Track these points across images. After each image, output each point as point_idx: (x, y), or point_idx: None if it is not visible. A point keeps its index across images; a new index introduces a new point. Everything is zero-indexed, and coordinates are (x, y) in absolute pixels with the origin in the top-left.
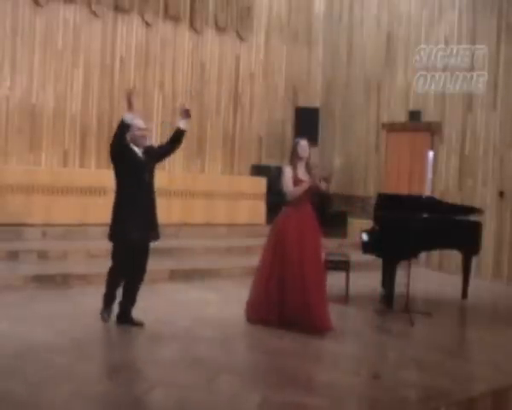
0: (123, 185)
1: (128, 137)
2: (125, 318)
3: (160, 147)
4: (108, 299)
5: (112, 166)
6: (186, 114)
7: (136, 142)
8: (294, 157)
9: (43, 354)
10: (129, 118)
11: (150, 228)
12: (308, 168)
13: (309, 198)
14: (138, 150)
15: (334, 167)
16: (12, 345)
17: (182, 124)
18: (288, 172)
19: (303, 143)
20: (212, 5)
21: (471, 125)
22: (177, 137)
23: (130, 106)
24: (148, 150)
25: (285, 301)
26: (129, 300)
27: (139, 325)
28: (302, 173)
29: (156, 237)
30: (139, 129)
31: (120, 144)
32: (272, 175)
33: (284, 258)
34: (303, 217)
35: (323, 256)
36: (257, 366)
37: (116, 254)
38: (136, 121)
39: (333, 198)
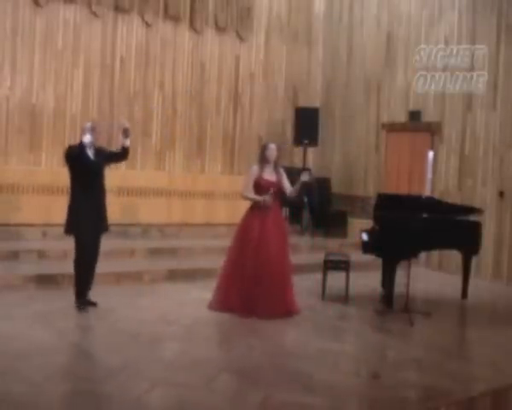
0: (77, 184)
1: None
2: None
3: (111, 154)
4: (77, 288)
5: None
6: (126, 133)
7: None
8: (262, 159)
9: (42, 354)
10: (87, 141)
11: (100, 222)
12: (276, 169)
13: (276, 199)
14: (90, 153)
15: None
16: (12, 345)
17: (126, 143)
18: (253, 171)
19: (271, 147)
20: (212, 5)
21: (471, 125)
22: (123, 153)
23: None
24: (99, 152)
25: (250, 292)
26: (86, 283)
27: (93, 304)
28: (268, 174)
29: (105, 229)
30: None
31: (76, 153)
32: None
33: (247, 253)
34: (266, 214)
35: (288, 251)
36: (257, 366)
37: (76, 246)
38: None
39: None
